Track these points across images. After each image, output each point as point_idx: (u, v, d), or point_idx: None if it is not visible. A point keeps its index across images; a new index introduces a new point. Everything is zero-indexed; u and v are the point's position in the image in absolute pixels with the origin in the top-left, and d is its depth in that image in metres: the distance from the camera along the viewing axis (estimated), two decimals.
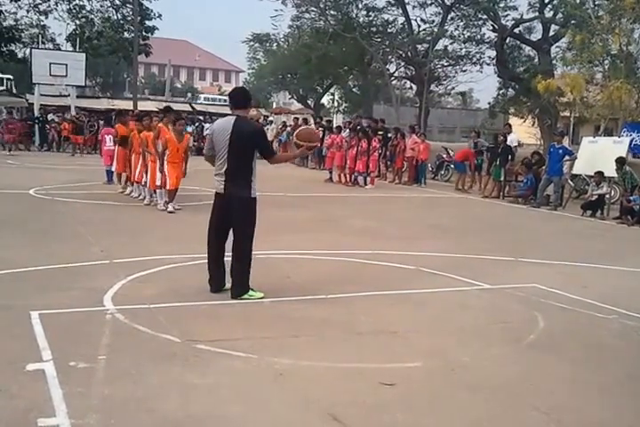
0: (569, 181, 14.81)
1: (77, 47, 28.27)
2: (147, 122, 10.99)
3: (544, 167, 14.25)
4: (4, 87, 34.30)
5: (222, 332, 4.51)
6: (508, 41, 26.33)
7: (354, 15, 28.83)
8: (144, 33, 30.48)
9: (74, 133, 23.21)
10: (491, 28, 26.35)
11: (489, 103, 30.21)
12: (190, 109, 31.71)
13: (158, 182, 10.23)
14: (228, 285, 5.40)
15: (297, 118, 25.79)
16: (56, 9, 30.09)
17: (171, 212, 9.95)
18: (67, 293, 5.28)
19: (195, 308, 5.05)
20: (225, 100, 35.63)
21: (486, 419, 3.41)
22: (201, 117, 30.06)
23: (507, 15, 26.01)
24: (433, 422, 3.36)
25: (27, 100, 28.64)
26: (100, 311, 4.81)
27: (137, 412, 3.25)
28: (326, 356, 4.16)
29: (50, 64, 24.60)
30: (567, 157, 13.79)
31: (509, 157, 15.16)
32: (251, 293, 5.32)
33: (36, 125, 24.38)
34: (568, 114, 23.85)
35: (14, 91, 33.35)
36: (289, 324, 4.78)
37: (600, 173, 12.87)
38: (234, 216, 5.31)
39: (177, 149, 10.06)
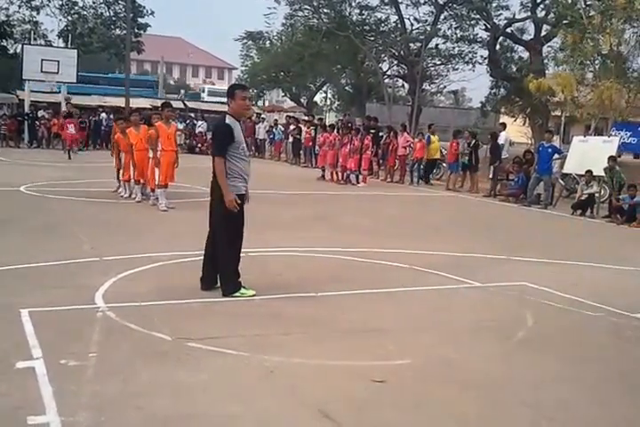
0: (559, 179, 14.90)
1: (69, 44, 28.11)
2: (135, 118, 10.96)
3: (534, 166, 14.34)
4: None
5: (213, 330, 4.51)
6: (500, 40, 26.41)
7: (347, 13, 28.82)
8: (136, 30, 30.37)
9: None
10: (483, 27, 26.44)
11: (481, 102, 30.30)
12: (182, 107, 31.62)
13: (157, 182, 10.19)
14: None
15: (289, 117, 25.75)
16: (48, 5, 30.01)
17: (164, 210, 9.94)
18: (57, 290, 5.26)
19: (186, 306, 5.05)
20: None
21: (476, 416, 3.44)
22: (192, 115, 29.98)
23: (499, 15, 26.11)
24: (423, 419, 3.39)
25: (17, 97, 28.45)
26: (90, 309, 4.80)
27: (127, 410, 3.25)
28: (317, 353, 4.17)
29: (42, 60, 24.46)
30: (557, 156, 13.87)
31: (499, 155, 15.30)
32: (242, 290, 5.32)
33: (26, 122, 24.23)
34: (559, 113, 23.93)
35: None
36: (280, 322, 4.79)
37: (590, 172, 12.96)
38: (211, 214, 5.35)
39: (167, 135, 10.06)
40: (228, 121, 5.26)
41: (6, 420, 3.09)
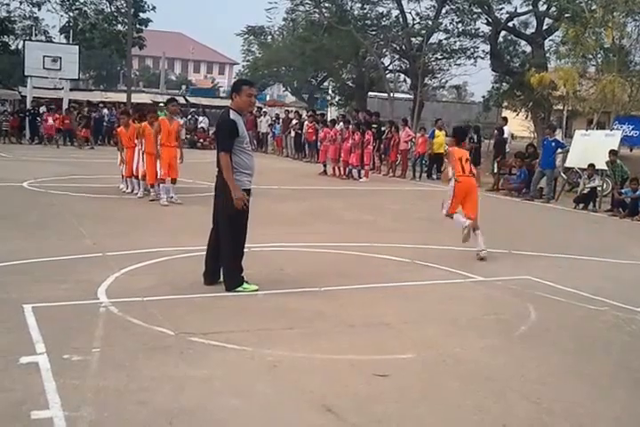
0: (562, 173, 14.87)
1: (71, 39, 28.04)
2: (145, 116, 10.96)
3: (537, 160, 14.31)
4: None
5: (216, 324, 4.52)
6: (502, 35, 26.32)
7: (348, 8, 28.71)
8: (138, 25, 30.27)
9: (84, 127, 23.31)
10: (485, 21, 26.33)
11: (483, 97, 30.21)
12: (184, 102, 31.58)
13: (158, 176, 10.18)
14: None
15: (288, 111, 25.73)
16: (49, 1, 29.89)
17: (165, 205, 9.94)
18: (60, 285, 5.27)
19: (188, 300, 5.05)
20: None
21: (478, 409, 3.43)
22: (194, 110, 29.93)
23: (501, 8, 26.00)
24: (425, 413, 3.39)
25: (19, 93, 28.42)
26: (93, 304, 4.81)
27: (130, 404, 3.26)
28: (320, 348, 4.17)
29: (43, 57, 24.43)
30: (560, 150, 13.85)
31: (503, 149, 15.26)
32: (245, 285, 5.33)
33: (27, 118, 24.23)
34: (561, 107, 23.87)
35: None
36: (283, 316, 4.79)
37: (592, 166, 12.93)
38: (215, 209, 5.34)
39: (168, 130, 10.04)
40: (232, 116, 5.25)
41: (10, 415, 3.10)
